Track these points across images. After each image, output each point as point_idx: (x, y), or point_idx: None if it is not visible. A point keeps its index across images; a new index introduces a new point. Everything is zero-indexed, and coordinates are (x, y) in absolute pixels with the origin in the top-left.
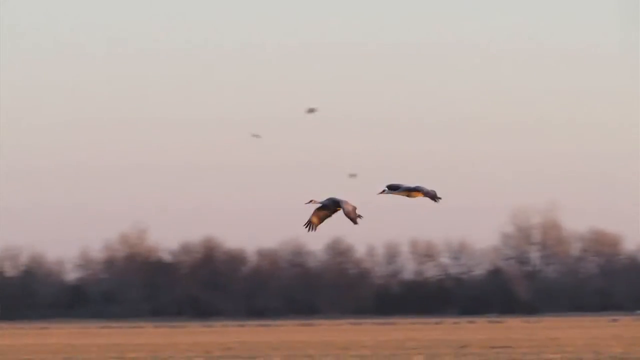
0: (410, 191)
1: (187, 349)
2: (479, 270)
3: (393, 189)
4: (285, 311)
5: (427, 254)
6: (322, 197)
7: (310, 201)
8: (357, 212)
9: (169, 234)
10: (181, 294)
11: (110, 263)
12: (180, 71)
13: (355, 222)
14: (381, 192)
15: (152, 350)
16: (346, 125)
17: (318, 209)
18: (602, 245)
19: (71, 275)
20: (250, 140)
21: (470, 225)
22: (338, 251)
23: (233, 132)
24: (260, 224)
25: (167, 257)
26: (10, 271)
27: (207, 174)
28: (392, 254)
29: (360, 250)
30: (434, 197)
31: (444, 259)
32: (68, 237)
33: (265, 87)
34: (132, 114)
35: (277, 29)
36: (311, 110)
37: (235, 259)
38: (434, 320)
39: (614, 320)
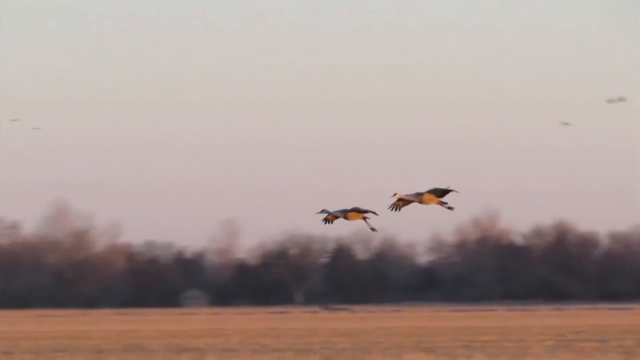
0: (346, 213)
1: (539, 332)
2: None
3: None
4: (639, 295)
5: None
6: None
7: (395, 195)
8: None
9: (521, 217)
10: (533, 277)
11: (462, 246)
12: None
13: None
14: (319, 212)
15: (503, 333)
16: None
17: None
18: None
19: (423, 258)
20: (561, 127)
21: None
22: None
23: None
24: (612, 206)
25: (519, 240)
26: (362, 254)
27: (540, 155)
28: None
29: None
30: (373, 212)
31: None
32: (420, 220)
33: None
34: (447, 94)
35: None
36: (616, 100)
37: (587, 243)
38: None
39: None
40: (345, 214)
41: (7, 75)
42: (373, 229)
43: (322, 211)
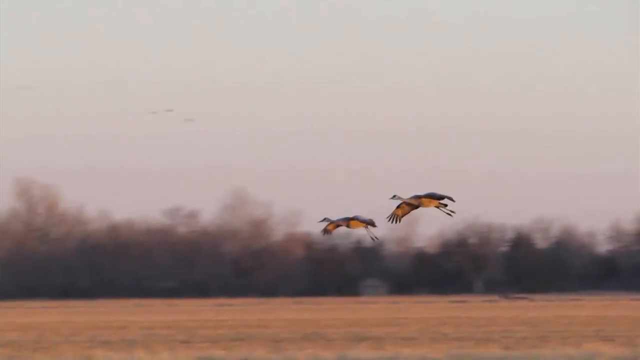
0: (348, 221)
1: None
2: None
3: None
4: None
5: None
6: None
7: (394, 196)
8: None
9: None
10: None
11: None
12: None
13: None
14: (321, 221)
15: None
16: None
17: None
18: None
19: (603, 247)
20: None
21: None
22: None
23: None
24: None
25: None
26: (541, 243)
27: None
28: None
29: None
30: (371, 223)
31: None
32: (600, 209)
33: None
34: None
35: None
36: None
37: None
38: None
39: None
40: (347, 222)
41: (184, 61)
42: (374, 239)
43: (324, 219)
